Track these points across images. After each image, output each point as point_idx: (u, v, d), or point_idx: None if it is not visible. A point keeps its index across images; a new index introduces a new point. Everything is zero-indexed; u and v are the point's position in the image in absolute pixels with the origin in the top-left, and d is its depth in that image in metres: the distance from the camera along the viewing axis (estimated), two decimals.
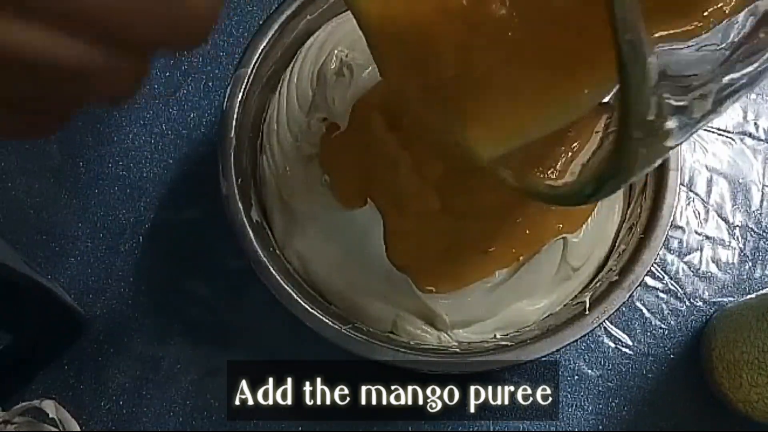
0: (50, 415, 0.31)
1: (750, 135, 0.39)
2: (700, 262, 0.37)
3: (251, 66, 0.32)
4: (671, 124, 0.15)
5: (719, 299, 0.36)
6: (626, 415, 0.34)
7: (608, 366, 0.35)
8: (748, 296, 0.35)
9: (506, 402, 0.34)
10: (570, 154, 0.27)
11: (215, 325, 0.35)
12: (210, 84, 0.39)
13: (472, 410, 0.34)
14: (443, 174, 0.31)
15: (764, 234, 0.37)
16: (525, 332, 0.31)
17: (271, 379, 0.34)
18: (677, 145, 0.16)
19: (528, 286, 0.31)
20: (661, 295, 0.36)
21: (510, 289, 0.31)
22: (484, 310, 0.31)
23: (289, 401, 0.34)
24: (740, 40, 0.17)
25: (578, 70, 0.19)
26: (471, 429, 0.34)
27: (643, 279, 0.30)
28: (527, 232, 0.31)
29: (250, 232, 0.30)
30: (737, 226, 0.37)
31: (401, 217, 0.31)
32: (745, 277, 0.37)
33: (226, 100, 0.31)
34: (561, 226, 0.31)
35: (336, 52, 0.33)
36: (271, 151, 0.33)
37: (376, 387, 0.34)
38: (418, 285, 0.30)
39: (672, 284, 0.36)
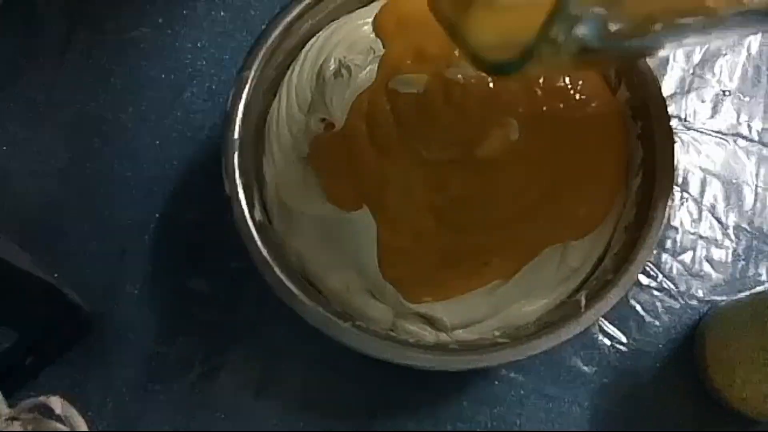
0: (57, 412, 0.31)
1: (743, 136, 0.39)
2: (694, 261, 0.37)
3: (254, 69, 0.32)
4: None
5: (712, 297, 0.37)
6: (620, 412, 0.35)
7: (603, 363, 0.35)
8: (741, 294, 0.36)
9: (503, 397, 0.35)
10: None
11: (218, 324, 0.35)
12: (214, 87, 0.39)
13: (471, 408, 0.35)
14: (439, 190, 0.31)
15: (757, 233, 0.38)
16: (521, 330, 0.31)
17: (272, 378, 0.35)
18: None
19: (528, 287, 0.31)
20: (656, 293, 0.37)
21: (510, 290, 0.31)
22: (483, 312, 0.31)
23: (289, 400, 0.34)
24: None
25: None
26: (470, 428, 0.34)
27: (637, 277, 0.30)
28: (530, 242, 0.31)
29: (253, 232, 0.30)
30: (730, 225, 0.38)
31: (395, 233, 0.31)
32: (738, 276, 0.37)
33: (229, 102, 0.32)
34: (566, 234, 0.31)
35: (335, 53, 0.33)
36: (270, 151, 0.33)
37: (376, 386, 0.34)
38: (412, 296, 0.30)
39: (666, 283, 0.37)
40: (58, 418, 0.31)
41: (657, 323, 0.36)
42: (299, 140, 0.33)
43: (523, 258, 0.31)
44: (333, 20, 0.35)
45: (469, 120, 0.31)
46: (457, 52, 0.31)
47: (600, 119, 0.32)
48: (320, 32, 0.35)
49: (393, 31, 0.33)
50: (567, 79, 0.32)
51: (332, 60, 0.33)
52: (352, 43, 0.34)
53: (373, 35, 0.34)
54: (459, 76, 0.31)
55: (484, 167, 0.31)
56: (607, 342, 0.36)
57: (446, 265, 0.31)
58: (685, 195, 0.38)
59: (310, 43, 0.34)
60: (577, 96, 0.32)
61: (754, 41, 0.41)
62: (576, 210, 0.31)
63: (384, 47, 0.33)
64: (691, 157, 0.39)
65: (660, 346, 0.36)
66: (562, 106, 0.32)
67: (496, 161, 0.31)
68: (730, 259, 0.37)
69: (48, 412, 0.31)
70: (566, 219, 0.31)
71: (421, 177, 0.31)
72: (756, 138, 0.39)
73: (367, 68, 0.33)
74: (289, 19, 0.33)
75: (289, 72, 0.34)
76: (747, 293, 0.35)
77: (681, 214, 0.38)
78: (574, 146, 0.31)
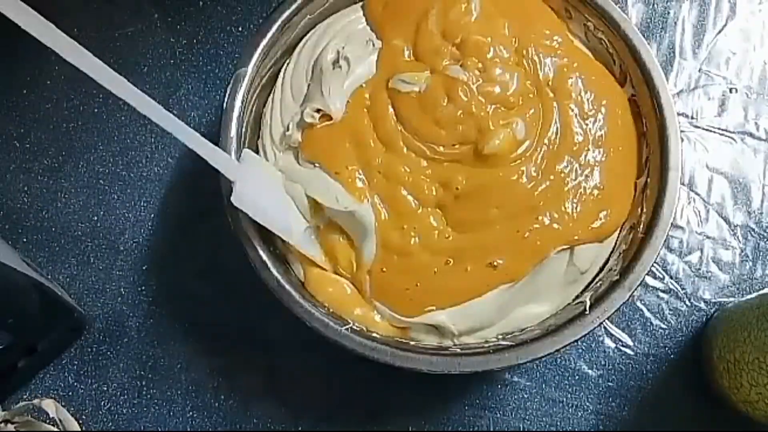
0: (51, 415, 0.31)
1: (750, 135, 0.39)
2: (701, 261, 0.37)
3: (251, 65, 0.32)
4: None
5: (720, 299, 0.36)
6: (626, 415, 0.34)
7: (608, 366, 0.35)
8: (749, 296, 0.35)
9: (507, 401, 0.34)
10: None
11: (215, 325, 0.35)
12: (210, 83, 0.39)
13: (473, 412, 0.34)
14: (443, 187, 0.30)
15: (765, 234, 0.37)
16: (525, 332, 0.30)
17: (270, 380, 0.34)
18: None
19: (535, 291, 0.30)
20: (662, 294, 0.36)
21: (517, 293, 0.30)
22: (490, 316, 0.30)
23: (288, 401, 0.34)
24: None
25: None
26: (471, 428, 0.34)
27: (643, 279, 0.29)
28: (538, 242, 0.30)
29: (251, 233, 0.30)
30: (738, 225, 0.37)
31: (400, 232, 0.30)
32: (745, 276, 0.37)
33: (226, 99, 0.31)
34: (578, 235, 0.30)
35: (332, 44, 0.33)
36: (263, 144, 0.33)
37: (376, 387, 0.34)
38: (411, 309, 0.30)
39: (672, 284, 0.36)
40: (52, 421, 0.31)
41: (663, 325, 0.36)
42: (291, 129, 0.32)
43: (532, 259, 0.30)
44: (331, 14, 0.34)
45: (473, 119, 0.30)
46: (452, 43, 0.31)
47: (611, 116, 0.32)
48: (317, 26, 0.34)
49: (383, 16, 0.33)
50: (577, 76, 0.32)
51: (330, 50, 0.33)
52: (350, 35, 0.33)
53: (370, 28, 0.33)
54: (461, 74, 0.31)
55: (490, 164, 0.30)
56: (612, 345, 0.35)
57: (452, 269, 0.30)
58: (692, 194, 0.38)
59: (307, 36, 0.34)
60: (587, 93, 0.31)
61: (761, 39, 0.40)
62: (590, 211, 0.30)
63: (378, 38, 0.33)
64: (698, 155, 0.38)
65: (666, 348, 0.35)
66: (571, 103, 0.31)
67: (503, 159, 0.30)
68: (737, 259, 0.37)
69: (42, 414, 0.31)
70: (578, 220, 0.30)
71: (425, 174, 0.30)
72: (763, 136, 0.39)
73: (366, 60, 0.32)
74: (286, 14, 0.33)
75: (285, 66, 0.34)
76: (754, 295, 0.35)
77: (688, 213, 0.37)
78: (584, 144, 0.31)
